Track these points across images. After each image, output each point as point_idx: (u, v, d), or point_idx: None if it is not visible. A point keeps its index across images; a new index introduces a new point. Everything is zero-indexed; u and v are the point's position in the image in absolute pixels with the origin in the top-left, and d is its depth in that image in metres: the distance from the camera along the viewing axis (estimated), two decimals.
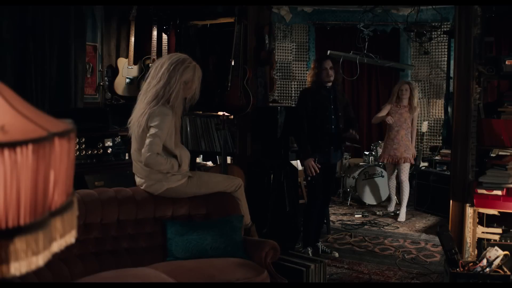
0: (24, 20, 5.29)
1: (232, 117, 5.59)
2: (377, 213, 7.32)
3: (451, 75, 5.78)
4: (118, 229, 3.64)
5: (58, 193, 1.18)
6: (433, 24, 8.18)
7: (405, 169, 7.00)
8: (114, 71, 6.52)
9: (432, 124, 9.15)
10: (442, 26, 7.78)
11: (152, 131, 3.47)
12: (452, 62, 5.98)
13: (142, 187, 3.75)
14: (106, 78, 6.46)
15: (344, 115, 5.34)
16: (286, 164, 5.42)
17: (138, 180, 3.78)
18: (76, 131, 1.22)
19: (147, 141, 3.47)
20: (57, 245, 1.20)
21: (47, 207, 1.14)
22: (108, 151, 4.77)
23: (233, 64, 5.39)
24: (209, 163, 6.44)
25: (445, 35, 7.92)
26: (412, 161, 7.06)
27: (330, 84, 5.20)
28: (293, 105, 9.56)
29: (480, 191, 4.48)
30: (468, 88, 4.46)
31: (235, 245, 3.68)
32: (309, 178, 5.15)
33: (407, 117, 6.90)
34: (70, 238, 1.23)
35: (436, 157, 7.63)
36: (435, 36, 7.65)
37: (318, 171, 5.06)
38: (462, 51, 4.46)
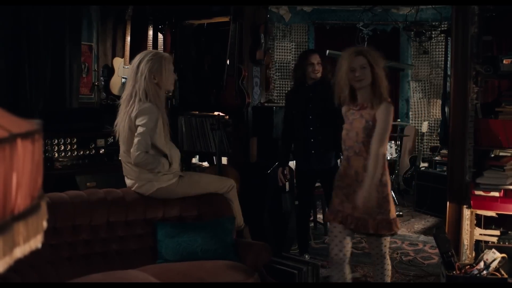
0: (18, 19, 5.24)
1: (228, 117, 5.53)
2: None
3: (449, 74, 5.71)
4: (107, 231, 3.60)
5: (22, 197, 1.13)
6: (434, 23, 8.11)
7: (379, 241, 3.39)
8: (110, 71, 6.47)
9: (432, 124, 9.08)
10: (442, 25, 7.72)
11: (140, 129, 3.44)
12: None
13: (133, 188, 3.71)
14: (101, 78, 6.41)
15: (326, 118, 4.63)
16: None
17: (128, 181, 3.73)
18: (41, 132, 1.18)
19: (135, 140, 3.44)
20: (21, 251, 1.15)
21: (9, 211, 1.08)
22: (101, 152, 4.72)
23: (228, 63, 5.33)
24: (205, 164, 6.38)
25: (444, 34, 7.86)
26: (395, 228, 3.28)
27: (315, 80, 4.67)
28: None
29: (477, 192, 4.42)
30: (466, 88, 4.39)
31: (226, 247, 3.62)
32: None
33: (362, 127, 3.22)
34: (36, 243, 1.18)
35: (436, 158, 7.56)
36: (435, 35, 7.58)
37: (287, 181, 4.94)
38: (459, 50, 4.40)
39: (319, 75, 4.67)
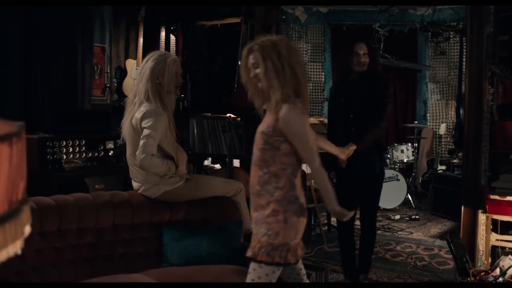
0: (29, 21, 5.25)
1: (239, 119, 5.47)
2: (392, 217, 7.12)
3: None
4: (113, 234, 3.56)
5: None
6: (452, 23, 7.96)
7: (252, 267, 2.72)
8: (122, 73, 6.46)
9: (450, 126, 8.91)
10: (459, 26, 7.57)
11: (146, 132, 3.39)
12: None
13: (139, 191, 3.66)
14: (114, 80, 6.40)
15: (369, 118, 4.03)
16: None
17: (135, 184, 3.69)
18: (21, 134, 1.14)
19: (141, 142, 3.39)
20: None
21: None
22: (110, 154, 4.69)
23: (239, 64, 5.26)
24: (217, 166, 6.33)
25: (459, 34, 7.71)
26: (276, 257, 2.60)
27: (360, 74, 4.09)
28: None
29: (492, 196, 4.29)
30: (481, 89, 4.27)
31: (233, 252, 3.56)
32: None
33: (261, 131, 2.76)
34: (13, 249, 1.14)
35: (454, 160, 7.41)
36: (452, 36, 7.43)
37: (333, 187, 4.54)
38: (474, 50, 4.28)
39: (365, 67, 4.06)
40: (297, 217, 2.64)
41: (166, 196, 3.64)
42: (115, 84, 6.40)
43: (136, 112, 3.50)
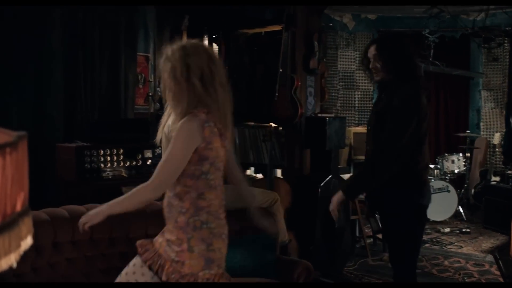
0: (75, 30, 5.33)
1: (281, 128, 5.38)
2: (441, 230, 6.85)
3: None
4: None
5: None
6: (507, 28, 7.64)
7: None
8: None
9: None
10: None
11: None
12: None
13: None
14: (158, 89, 6.42)
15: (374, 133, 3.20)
16: (335, 178, 5.13)
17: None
18: (18, 145, 1.11)
19: None
20: None
21: None
22: (148, 163, 4.68)
23: (281, 71, 5.18)
24: (259, 176, 6.25)
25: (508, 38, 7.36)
26: None
27: (381, 83, 3.22)
28: (356, 115, 9.25)
29: None
30: None
31: (266, 265, 3.46)
32: None
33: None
34: (7, 262, 1.10)
35: (509, 171, 7.09)
36: (507, 41, 7.11)
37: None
38: None
39: (379, 75, 3.16)
40: (207, 245, 2.39)
41: None
42: (159, 93, 6.42)
43: (169, 119, 3.46)
